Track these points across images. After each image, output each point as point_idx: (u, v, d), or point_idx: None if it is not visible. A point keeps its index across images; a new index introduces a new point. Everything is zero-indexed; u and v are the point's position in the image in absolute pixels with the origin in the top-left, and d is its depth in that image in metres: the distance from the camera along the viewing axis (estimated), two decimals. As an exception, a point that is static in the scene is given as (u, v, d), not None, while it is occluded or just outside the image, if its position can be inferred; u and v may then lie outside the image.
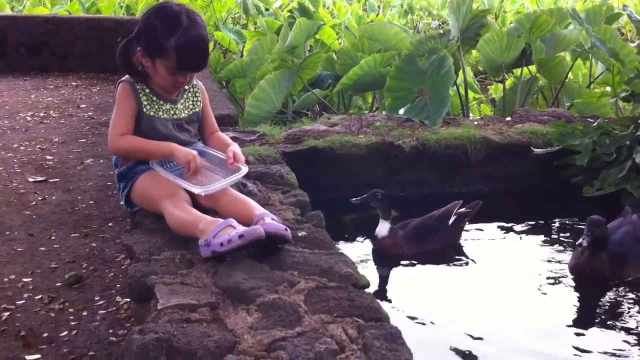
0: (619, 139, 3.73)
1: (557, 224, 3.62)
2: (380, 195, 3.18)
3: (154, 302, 1.88)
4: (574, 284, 2.93)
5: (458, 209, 3.27)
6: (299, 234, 2.33)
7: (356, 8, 12.40)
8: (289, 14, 10.42)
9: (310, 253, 2.19)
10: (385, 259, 3.13)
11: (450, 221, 3.25)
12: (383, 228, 3.18)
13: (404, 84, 4.57)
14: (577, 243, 2.89)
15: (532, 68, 5.73)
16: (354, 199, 3.18)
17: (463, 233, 3.38)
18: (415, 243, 3.19)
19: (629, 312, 2.72)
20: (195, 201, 2.43)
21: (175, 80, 2.52)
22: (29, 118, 5.24)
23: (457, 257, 3.23)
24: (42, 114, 5.37)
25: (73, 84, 6.75)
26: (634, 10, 5.00)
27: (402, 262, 3.14)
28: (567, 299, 2.85)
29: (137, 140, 2.53)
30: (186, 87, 2.67)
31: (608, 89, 5.20)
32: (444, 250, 3.24)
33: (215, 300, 1.87)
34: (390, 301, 2.75)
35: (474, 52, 6.27)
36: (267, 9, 10.10)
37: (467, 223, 3.36)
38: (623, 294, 2.86)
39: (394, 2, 14.49)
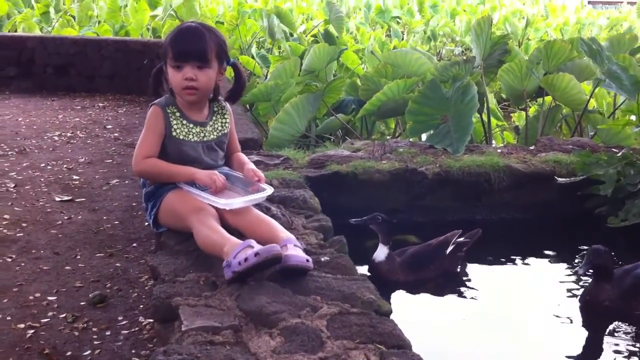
0: (644, 170, 3.71)
1: (580, 254, 3.60)
2: (380, 218, 3.17)
3: (178, 324, 1.90)
4: (579, 314, 2.92)
5: (457, 238, 3.26)
6: (322, 259, 2.33)
7: (379, 34, 12.49)
8: (312, 38, 10.54)
9: (332, 278, 2.19)
10: (383, 284, 3.11)
11: (448, 250, 3.23)
12: (381, 253, 3.16)
13: (426, 109, 4.58)
14: (574, 271, 2.90)
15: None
16: (353, 219, 3.19)
17: (485, 260, 3.37)
18: (411, 270, 3.17)
19: (625, 346, 2.69)
20: (222, 220, 2.44)
21: (182, 78, 2.51)
22: (56, 138, 5.33)
23: (473, 285, 3.22)
24: (69, 134, 5.46)
25: (100, 104, 6.86)
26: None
27: (406, 289, 3.13)
28: (569, 328, 2.84)
29: (160, 164, 2.56)
30: (215, 109, 2.70)
31: (633, 117, 5.18)
32: (444, 278, 3.22)
33: (238, 323, 1.88)
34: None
35: (496, 78, 6.28)
36: (291, 34, 10.21)
37: (465, 251, 3.32)
38: (626, 327, 2.82)
39: (417, 28, 14.58)
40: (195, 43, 2.52)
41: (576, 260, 3.50)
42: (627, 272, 2.94)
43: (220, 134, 2.69)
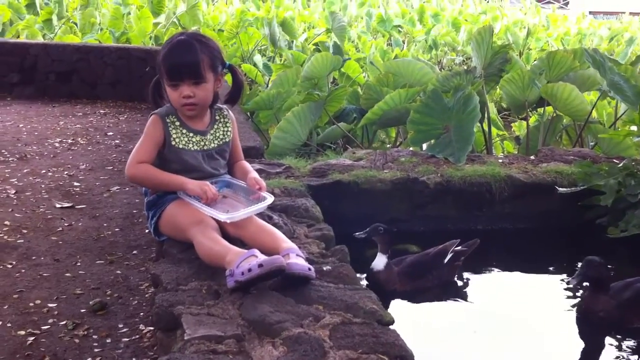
0: (645, 181, 3.71)
1: (579, 265, 3.59)
2: (382, 229, 3.17)
3: (181, 332, 1.90)
4: (577, 324, 2.93)
5: (455, 247, 3.25)
6: (324, 268, 2.33)
7: (381, 42, 12.50)
8: (314, 47, 10.56)
9: (335, 288, 2.19)
10: (381, 293, 3.11)
11: (446, 259, 3.22)
12: (380, 262, 3.16)
13: (428, 119, 4.58)
14: (568, 281, 2.97)
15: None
16: (357, 233, 3.19)
17: (486, 270, 3.36)
18: (408, 279, 3.17)
19: (620, 358, 2.68)
20: (223, 230, 2.45)
21: (179, 96, 2.54)
22: (57, 144, 5.34)
23: (472, 295, 3.21)
24: (70, 141, 5.47)
25: (101, 111, 6.86)
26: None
27: (404, 298, 3.12)
28: (567, 338, 2.85)
29: (151, 170, 2.56)
30: (217, 117, 2.71)
31: (634, 128, 5.18)
32: (442, 287, 3.20)
33: (241, 333, 1.88)
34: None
35: (497, 88, 6.29)
36: (293, 42, 10.23)
37: (462, 260, 3.31)
38: (622, 338, 2.81)
39: (418, 37, 14.60)
40: (187, 61, 2.52)
41: (576, 269, 3.50)
42: (628, 285, 2.94)
43: (221, 142, 2.70)
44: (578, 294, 3.19)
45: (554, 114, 5.70)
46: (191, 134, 2.62)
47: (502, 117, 8.17)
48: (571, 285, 3.03)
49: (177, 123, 2.61)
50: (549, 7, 22.81)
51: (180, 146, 2.59)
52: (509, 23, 16.18)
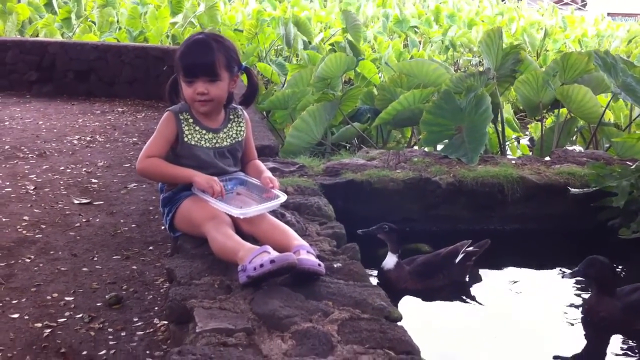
0: (658, 183, 3.71)
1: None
2: (387, 227, 3.21)
3: (193, 325, 1.94)
4: (582, 325, 2.95)
5: (466, 248, 3.29)
6: (334, 265, 2.37)
7: (397, 43, 12.52)
8: (330, 47, 10.59)
9: (344, 284, 2.23)
10: (391, 292, 3.15)
11: (457, 259, 3.26)
12: (390, 261, 3.20)
13: (440, 119, 4.61)
14: (563, 272, 2.97)
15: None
16: (361, 230, 3.22)
17: (497, 271, 3.39)
18: (419, 279, 3.20)
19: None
20: (236, 227, 2.49)
21: (193, 92, 2.59)
22: (75, 142, 5.42)
23: (482, 295, 3.23)
24: (88, 138, 5.55)
25: (119, 109, 6.95)
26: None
27: (414, 297, 3.15)
28: (575, 339, 2.86)
29: (160, 164, 2.61)
30: (231, 116, 2.76)
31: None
32: (452, 287, 3.24)
33: (251, 326, 1.92)
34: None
35: (512, 89, 6.29)
36: (309, 42, 10.27)
37: (474, 261, 3.34)
38: (628, 340, 2.83)
39: (434, 38, 14.60)
40: (203, 59, 2.57)
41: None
42: (636, 288, 2.95)
43: (234, 141, 2.74)
44: (586, 294, 3.21)
45: (569, 116, 5.70)
46: (204, 131, 2.67)
47: (518, 118, 8.17)
48: (565, 278, 3.03)
49: (191, 120, 2.66)
50: (567, 9, 22.70)
51: (193, 142, 2.64)
52: (525, 24, 16.13)
